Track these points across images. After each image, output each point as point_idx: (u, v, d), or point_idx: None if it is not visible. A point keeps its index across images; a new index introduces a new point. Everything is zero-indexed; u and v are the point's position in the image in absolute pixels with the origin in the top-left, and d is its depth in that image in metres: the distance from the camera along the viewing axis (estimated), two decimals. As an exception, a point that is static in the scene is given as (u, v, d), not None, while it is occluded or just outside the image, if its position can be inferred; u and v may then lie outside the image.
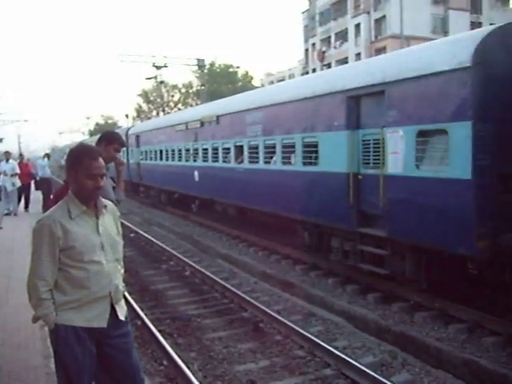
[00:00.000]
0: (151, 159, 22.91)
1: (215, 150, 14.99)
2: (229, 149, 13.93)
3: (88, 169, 3.04)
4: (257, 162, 12.25)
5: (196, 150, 16.74)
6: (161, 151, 21.18)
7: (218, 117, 14.74)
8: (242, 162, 13.16)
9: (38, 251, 3.01)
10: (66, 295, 3.03)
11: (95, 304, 3.08)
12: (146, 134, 24.09)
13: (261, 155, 11.99)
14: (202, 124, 16.01)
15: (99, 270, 3.08)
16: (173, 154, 19.48)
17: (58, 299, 3.02)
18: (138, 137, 25.51)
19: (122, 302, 3.30)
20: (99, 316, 3.10)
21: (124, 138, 23.91)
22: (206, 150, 15.69)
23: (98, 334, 3.12)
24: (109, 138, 4.82)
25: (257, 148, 12.19)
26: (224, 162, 14.34)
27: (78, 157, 3.10)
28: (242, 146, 13.04)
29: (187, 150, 17.69)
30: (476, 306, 7.32)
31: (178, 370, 5.73)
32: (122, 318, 3.22)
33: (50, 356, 3.94)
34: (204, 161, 15.98)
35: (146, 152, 23.90)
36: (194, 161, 16.97)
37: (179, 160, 18.70)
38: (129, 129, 29.04)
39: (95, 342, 3.13)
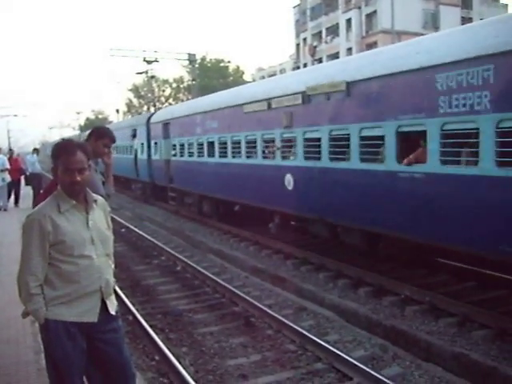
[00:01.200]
0: (191, 155, 16.47)
1: (339, 140, 9.06)
2: (379, 138, 8.06)
3: (64, 164, 3.06)
4: (461, 165, 6.76)
5: (289, 141, 10.82)
6: (210, 144, 14.81)
7: (348, 84, 8.74)
8: (416, 161, 7.42)
9: (28, 246, 3.00)
10: (56, 290, 3.02)
11: (86, 299, 3.08)
12: (182, 121, 17.37)
13: (484, 150, 6.22)
14: (307, 99, 9.91)
15: (89, 264, 3.07)
16: (236, 148, 13.14)
17: (48, 294, 3.01)
18: (166, 125, 18.92)
19: (113, 296, 3.29)
20: (90, 311, 3.10)
21: (144, 127, 20.62)
22: (317, 140, 9.69)
23: (89, 329, 3.11)
24: (98, 133, 4.85)
25: (475, 136, 6.38)
26: (363, 160, 8.44)
27: (56, 152, 3.13)
28: (419, 133, 7.31)
29: (268, 142, 11.80)
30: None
31: (169, 364, 5.73)
32: (112, 312, 3.22)
33: (41, 351, 3.92)
34: (308, 158, 10.00)
35: (181, 145, 17.48)
36: (284, 158, 11.07)
37: (249, 157, 12.57)
38: (151, 116, 21.96)
39: (86, 337, 3.12)
